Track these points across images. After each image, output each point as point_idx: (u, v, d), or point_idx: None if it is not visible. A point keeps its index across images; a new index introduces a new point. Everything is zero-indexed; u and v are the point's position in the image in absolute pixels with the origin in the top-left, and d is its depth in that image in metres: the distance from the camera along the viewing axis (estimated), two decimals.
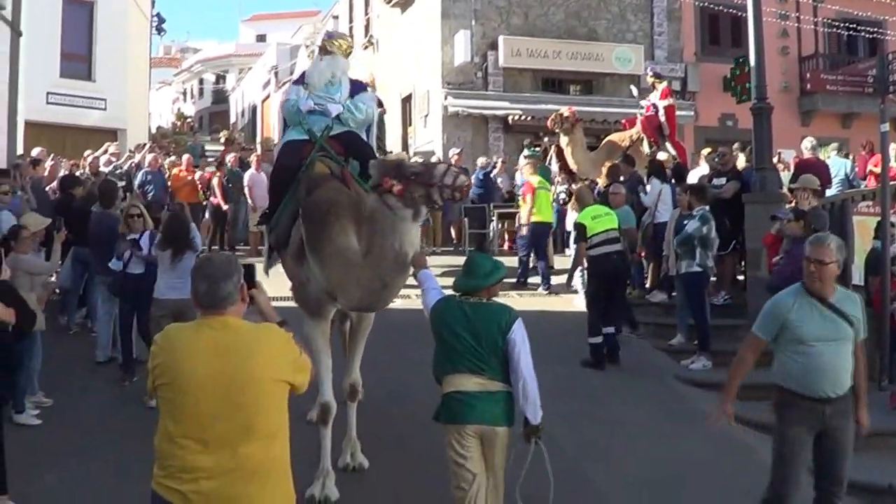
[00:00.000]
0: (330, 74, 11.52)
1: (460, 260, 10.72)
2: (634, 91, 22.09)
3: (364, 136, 11.61)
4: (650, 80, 20.91)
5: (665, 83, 20.66)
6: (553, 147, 24.19)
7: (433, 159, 23.05)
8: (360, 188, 10.25)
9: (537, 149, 26.93)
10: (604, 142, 20.78)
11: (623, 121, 22.07)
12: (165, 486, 5.38)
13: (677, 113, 29.29)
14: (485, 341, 7.86)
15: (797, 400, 8.57)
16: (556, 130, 22.22)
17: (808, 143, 21.42)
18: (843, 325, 8.49)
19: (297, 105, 11.28)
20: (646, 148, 19.28)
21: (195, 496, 5.31)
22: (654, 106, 19.67)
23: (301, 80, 11.76)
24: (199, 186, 25.89)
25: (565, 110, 21.55)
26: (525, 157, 24.19)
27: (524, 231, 21.00)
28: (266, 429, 5.45)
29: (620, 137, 21.05)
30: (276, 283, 10.79)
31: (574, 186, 20.18)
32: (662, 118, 19.66)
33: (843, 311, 8.52)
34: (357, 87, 11.79)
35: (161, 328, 12.53)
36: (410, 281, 9.37)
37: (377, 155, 11.44)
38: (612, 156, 21.33)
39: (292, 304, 11.12)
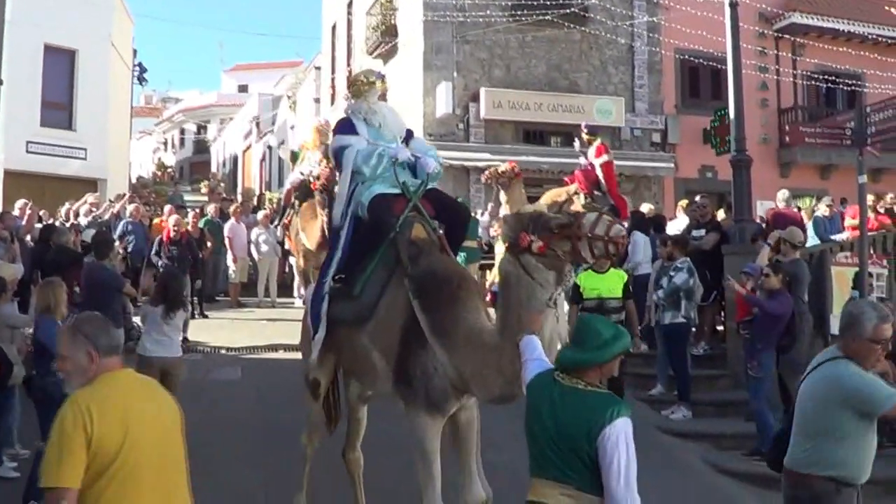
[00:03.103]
0: (400, 120, 10.56)
1: None
2: (577, 145, 21.81)
3: None
4: (584, 136, 20.65)
5: (599, 140, 20.48)
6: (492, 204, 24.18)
7: None
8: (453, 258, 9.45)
9: None
10: (543, 197, 20.83)
11: (566, 177, 21.95)
12: None
13: (657, 164, 29.57)
14: (568, 442, 6.04)
15: (843, 489, 7.44)
16: (493, 186, 21.49)
17: (782, 195, 21.60)
18: None
19: (386, 153, 9.63)
20: (581, 201, 19.36)
21: None
22: (591, 164, 19.64)
23: (349, 129, 10.03)
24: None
25: (504, 165, 21.36)
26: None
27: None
28: None
29: (558, 192, 20.98)
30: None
31: None
32: (600, 174, 19.54)
33: None
34: (407, 134, 10.49)
35: None
36: None
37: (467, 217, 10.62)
38: (550, 211, 21.12)
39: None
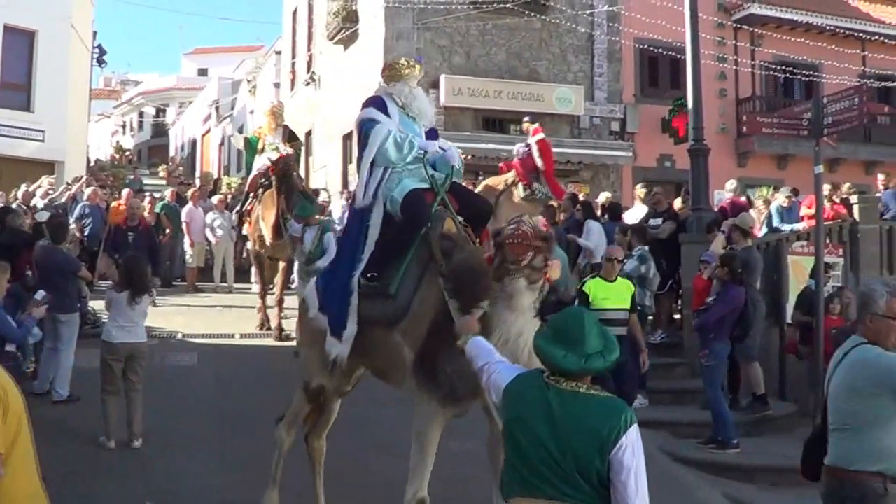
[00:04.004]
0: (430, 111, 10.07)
1: None
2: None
3: None
4: (525, 125, 20.51)
5: (537, 124, 20.35)
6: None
7: None
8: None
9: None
10: (480, 186, 20.57)
11: (501, 164, 21.75)
12: None
13: (616, 153, 29.65)
14: (571, 457, 5.33)
15: (891, 487, 6.85)
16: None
17: (730, 184, 21.80)
18: None
19: (417, 143, 9.33)
20: (520, 192, 19.11)
21: None
22: (528, 145, 19.48)
23: (381, 107, 9.60)
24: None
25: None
26: None
27: None
28: None
29: (496, 181, 20.73)
30: None
31: None
32: (537, 158, 19.28)
33: None
34: (431, 132, 10.00)
35: (113, 372, 12.50)
36: None
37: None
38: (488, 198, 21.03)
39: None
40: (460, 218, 9.06)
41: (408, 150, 9.23)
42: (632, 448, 5.30)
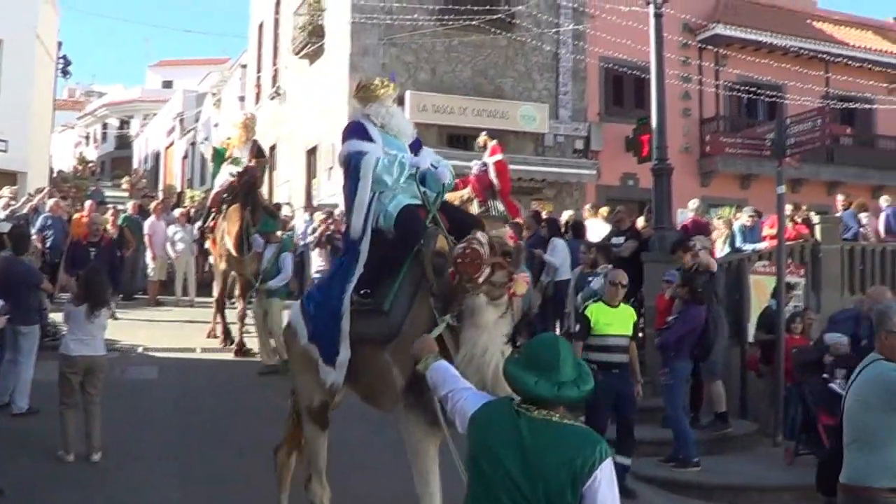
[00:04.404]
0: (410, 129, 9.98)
1: None
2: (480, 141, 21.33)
3: None
4: (482, 139, 20.40)
5: (495, 141, 20.27)
6: None
7: (336, 212, 23.02)
8: None
9: None
10: None
11: (457, 180, 21.62)
12: None
13: (580, 171, 29.75)
14: (542, 489, 5.05)
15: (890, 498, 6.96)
16: None
17: (692, 203, 21.91)
18: None
19: (408, 162, 9.16)
20: (475, 209, 19.04)
21: None
22: (485, 164, 19.41)
23: (363, 134, 9.46)
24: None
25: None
26: None
27: None
28: None
29: (452, 197, 20.51)
30: None
31: None
32: (493, 177, 19.23)
33: None
34: (415, 143, 9.91)
35: (71, 385, 12.45)
36: None
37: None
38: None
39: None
40: (452, 237, 8.67)
41: (399, 172, 9.08)
42: (606, 481, 5.07)
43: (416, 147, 9.74)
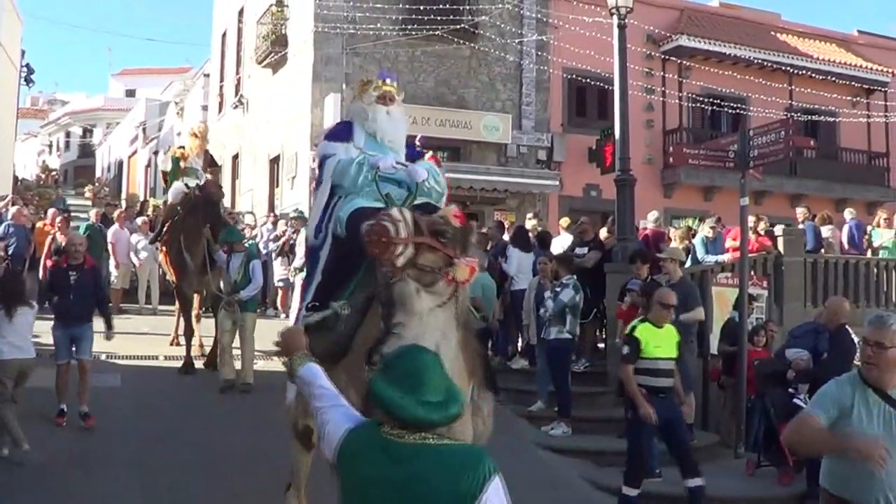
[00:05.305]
0: (403, 131, 9.62)
1: None
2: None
3: None
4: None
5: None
6: None
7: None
8: None
9: None
10: None
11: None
12: None
13: (543, 181, 29.80)
14: None
15: None
16: None
17: (652, 215, 22.03)
18: None
19: (367, 162, 8.77)
20: None
21: None
22: None
23: (343, 136, 9.26)
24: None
25: None
26: None
27: None
28: None
29: None
30: None
31: None
32: None
33: None
34: (413, 151, 9.76)
35: (5, 387, 12.36)
36: None
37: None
38: None
39: None
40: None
41: (356, 172, 8.75)
42: (497, 499, 4.48)
43: (413, 155, 9.51)
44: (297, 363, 5.45)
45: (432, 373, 4.62)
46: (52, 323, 14.71)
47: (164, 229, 19.81)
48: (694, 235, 22.16)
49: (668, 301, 12.79)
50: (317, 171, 9.34)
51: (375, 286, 7.32)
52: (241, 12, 41.67)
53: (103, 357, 18.83)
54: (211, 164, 20.55)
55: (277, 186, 35.45)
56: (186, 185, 19.16)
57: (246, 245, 18.72)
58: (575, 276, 16.77)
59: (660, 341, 12.39)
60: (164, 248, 19.75)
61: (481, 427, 7.39)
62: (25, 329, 13.00)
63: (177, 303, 20.30)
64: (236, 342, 17.40)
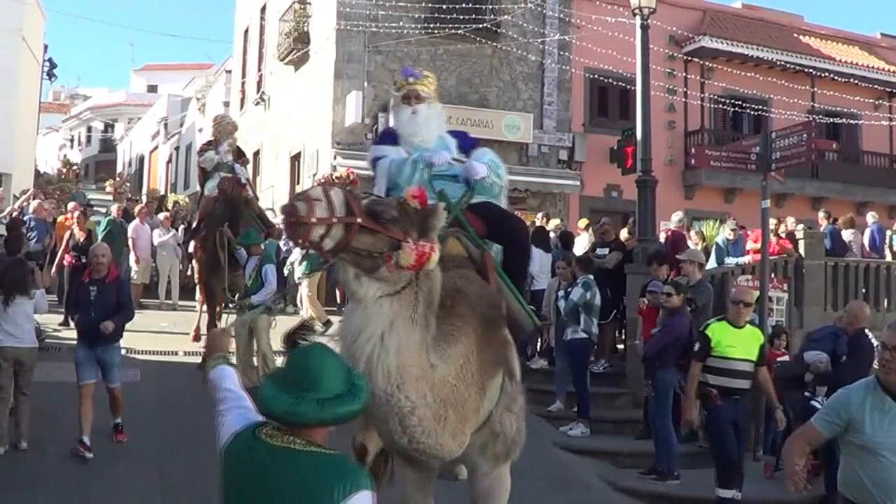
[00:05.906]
0: (432, 128, 8.95)
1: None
2: None
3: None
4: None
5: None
6: None
7: None
8: (503, 283, 7.96)
9: None
10: None
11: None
12: None
13: (563, 181, 29.74)
14: None
15: None
16: None
17: (676, 216, 21.91)
18: None
19: (423, 160, 8.36)
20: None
21: None
22: None
23: (389, 139, 8.98)
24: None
25: (341, 171, 20.78)
26: None
27: None
28: None
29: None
30: None
31: None
32: None
33: None
34: (466, 140, 9.33)
35: (1, 376, 12.35)
36: None
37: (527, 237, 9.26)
38: None
39: None
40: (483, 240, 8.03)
41: (411, 171, 8.32)
42: None
43: (466, 146, 9.10)
44: (210, 365, 5.35)
45: (325, 369, 4.37)
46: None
47: (203, 224, 19.37)
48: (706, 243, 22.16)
49: (739, 298, 12.63)
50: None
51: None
52: (263, 9, 41.71)
53: (123, 352, 18.90)
54: (239, 154, 20.16)
55: (298, 183, 35.37)
56: (221, 177, 18.87)
57: (262, 247, 18.30)
58: (591, 276, 16.73)
59: (735, 341, 12.25)
60: (199, 245, 19.37)
61: (511, 427, 7.29)
62: (22, 318, 12.95)
63: (199, 297, 20.24)
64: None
